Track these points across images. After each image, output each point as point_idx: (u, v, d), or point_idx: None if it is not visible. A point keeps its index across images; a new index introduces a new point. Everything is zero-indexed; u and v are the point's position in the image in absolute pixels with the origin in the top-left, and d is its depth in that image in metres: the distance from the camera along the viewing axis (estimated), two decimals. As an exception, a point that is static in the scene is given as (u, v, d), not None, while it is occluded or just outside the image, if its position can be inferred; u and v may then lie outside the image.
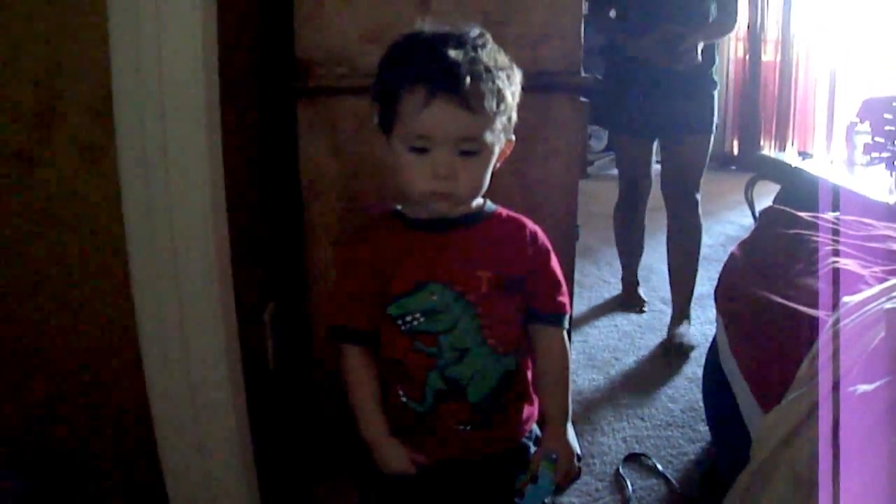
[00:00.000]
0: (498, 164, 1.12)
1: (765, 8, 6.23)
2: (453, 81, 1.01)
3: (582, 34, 1.71)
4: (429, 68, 1.02)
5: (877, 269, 1.67)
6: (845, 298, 1.42)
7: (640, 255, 3.32)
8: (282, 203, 1.81)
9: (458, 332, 1.11)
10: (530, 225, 1.19)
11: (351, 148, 1.68)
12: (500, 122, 1.06)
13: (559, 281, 1.20)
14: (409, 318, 1.11)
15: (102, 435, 1.44)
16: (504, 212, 1.19)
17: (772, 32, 6.29)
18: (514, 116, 1.10)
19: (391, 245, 1.14)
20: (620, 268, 3.38)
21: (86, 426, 1.43)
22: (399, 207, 1.17)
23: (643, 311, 3.22)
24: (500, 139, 1.08)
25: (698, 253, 2.92)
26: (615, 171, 6.10)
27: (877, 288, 1.43)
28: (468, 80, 1.01)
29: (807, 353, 1.33)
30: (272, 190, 1.81)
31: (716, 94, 2.79)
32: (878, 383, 1.11)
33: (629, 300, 3.31)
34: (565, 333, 1.22)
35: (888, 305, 1.27)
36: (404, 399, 1.15)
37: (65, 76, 1.27)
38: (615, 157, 3.29)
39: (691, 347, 2.77)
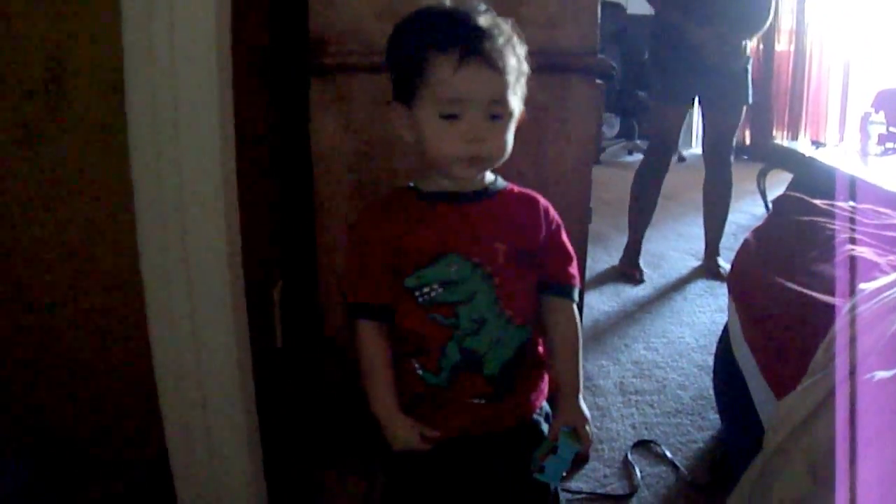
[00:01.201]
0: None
1: (779, -2, 6.19)
2: (483, 43, 1.02)
3: (598, 15, 1.69)
4: (457, 32, 1.03)
5: (892, 257, 1.66)
6: (862, 285, 1.40)
7: (650, 218, 3.45)
8: (292, 180, 1.80)
9: (476, 302, 1.11)
10: (542, 200, 1.20)
11: (363, 125, 1.67)
12: (520, 87, 1.08)
13: (570, 254, 1.21)
14: (426, 290, 1.11)
15: (106, 420, 1.43)
16: (515, 188, 1.19)
17: (786, 22, 6.24)
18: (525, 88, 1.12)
19: (408, 218, 1.13)
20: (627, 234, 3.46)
21: (90, 410, 1.43)
22: (412, 184, 1.17)
23: (642, 281, 3.31)
24: (519, 105, 1.09)
25: (729, 200, 3.47)
26: (627, 159, 6.20)
27: (893, 275, 1.42)
28: (497, 41, 1.03)
29: (822, 340, 1.32)
30: (283, 167, 1.79)
31: (749, 67, 3.26)
32: (895, 370, 1.09)
33: (628, 269, 3.38)
34: (575, 306, 1.22)
35: (906, 293, 1.26)
36: (420, 372, 1.15)
37: (75, 51, 1.26)
38: (651, 122, 3.58)
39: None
